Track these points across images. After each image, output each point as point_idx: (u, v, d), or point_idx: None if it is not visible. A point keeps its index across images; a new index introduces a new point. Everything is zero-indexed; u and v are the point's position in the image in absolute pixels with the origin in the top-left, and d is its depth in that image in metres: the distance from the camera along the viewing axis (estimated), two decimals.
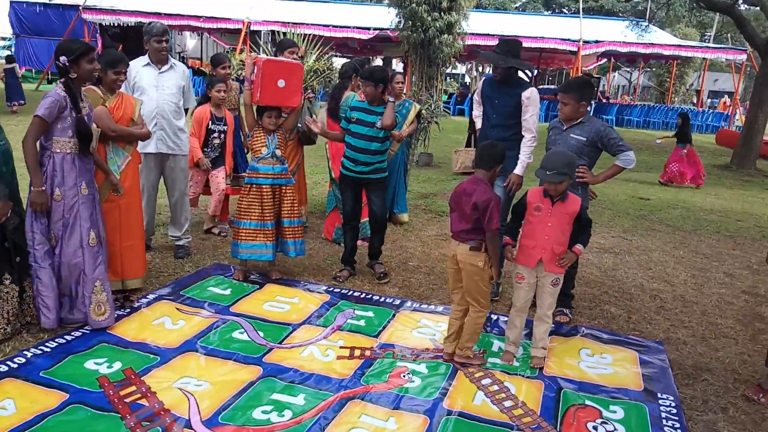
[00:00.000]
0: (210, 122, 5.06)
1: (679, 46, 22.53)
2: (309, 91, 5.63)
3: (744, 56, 21.04)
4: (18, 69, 14.69)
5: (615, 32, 22.99)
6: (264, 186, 4.16)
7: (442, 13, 16.92)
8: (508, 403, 2.91)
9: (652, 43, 21.85)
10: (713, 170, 11.70)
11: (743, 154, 11.70)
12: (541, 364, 3.32)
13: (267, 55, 19.67)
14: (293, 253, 4.34)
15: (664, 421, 2.81)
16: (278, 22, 21.53)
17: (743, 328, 3.97)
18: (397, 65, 36.29)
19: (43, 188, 3.27)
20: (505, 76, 4.07)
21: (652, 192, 8.95)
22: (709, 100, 32.78)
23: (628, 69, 36.47)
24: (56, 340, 3.25)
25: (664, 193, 8.98)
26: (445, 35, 17.28)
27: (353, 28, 21.95)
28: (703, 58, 24.65)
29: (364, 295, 4.21)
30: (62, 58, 3.26)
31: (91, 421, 2.56)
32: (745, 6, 12.25)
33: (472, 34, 19.43)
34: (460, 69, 41.61)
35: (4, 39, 31.57)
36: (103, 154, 3.71)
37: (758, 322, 4.09)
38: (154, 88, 4.41)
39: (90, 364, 3.02)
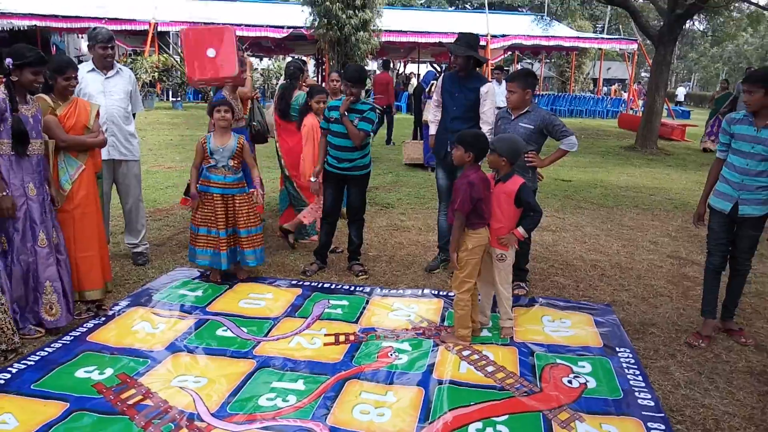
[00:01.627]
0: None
1: (579, 38, 24.08)
2: (256, 91, 5.67)
3: (635, 46, 22.80)
4: None
5: (519, 26, 24.20)
6: (215, 195, 4.14)
7: (356, 11, 17.23)
8: (490, 369, 3.18)
9: (554, 36, 23.22)
10: (621, 151, 12.68)
11: (645, 135, 12.75)
12: (510, 333, 3.61)
13: (179, 57, 18.99)
14: (253, 263, 4.33)
15: (626, 371, 3.18)
16: (187, 22, 20.92)
17: (675, 287, 4.48)
18: (309, 63, 36.23)
19: (8, 192, 3.20)
20: (465, 67, 4.36)
21: (572, 174, 9.62)
22: (604, 88, 35.08)
23: (530, 61, 38.38)
24: (36, 353, 3.18)
25: (582, 174, 9.68)
26: (361, 32, 17.62)
27: (267, 27, 21.70)
28: (599, 49, 26.48)
29: (333, 285, 4.35)
30: (8, 60, 3.21)
31: (101, 425, 2.57)
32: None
33: (386, 30, 19.88)
34: (372, 66, 42.12)
35: None
36: (56, 164, 3.65)
37: (686, 281, 4.61)
38: (102, 94, 4.33)
39: (80, 373, 3.00)
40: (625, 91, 30.16)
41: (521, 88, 4.07)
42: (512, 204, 3.48)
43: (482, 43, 21.68)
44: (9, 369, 3.00)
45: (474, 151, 3.41)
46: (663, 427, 2.66)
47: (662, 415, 2.75)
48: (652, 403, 2.85)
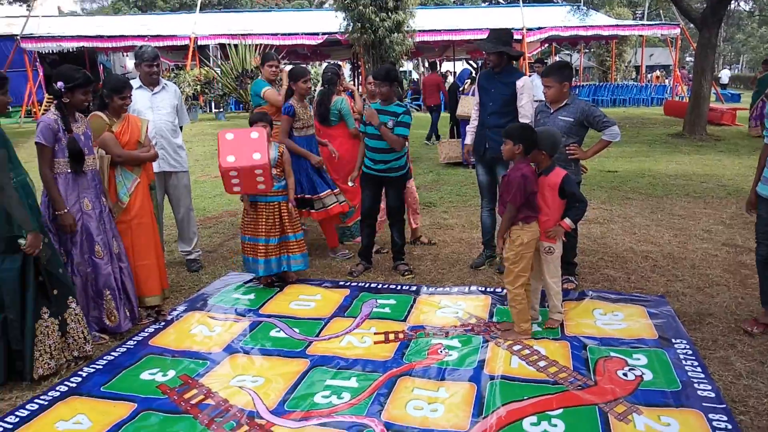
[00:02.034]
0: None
1: (618, 25, 23.51)
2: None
3: (677, 30, 22.09)
4: None
5: (555, 18, 23.80)
6: (261, 204, 4.26)
7: (389, 13, 17.30)
8: (542, 363, 3.17)
9: (592, 25, 22.73)
10: (668, 139, 12.33)
11: (693, 121, 12.35)
12: (555, 325, 3.59)
13: (219, 69, 19.34)
14: (301, 266, 4.44)
15: (683, 362, 3.11)
16: (225, 34, 21.45)
17: (731, 276, 4.35)
18: (345, 67, 36.54)
19: (67, 210, 3.38)
20: (499, 63, 4.35)
21: (618, 164, 9.42)
22: (657, 73, 34.06)
23: (569, 52, 37.68)
24: (103, 357, 3.34)
25: (629, 164, 9.47)
26: (395, 34, 17.68)
27: (302, 34, 22.01)
28: (640, 35, 25.79)
29: (380, 285, 4.41)
30: (59, 84, 3.37)
31: (167, 424, 2.69)
32: None
33: (420, 30, 19.88)
34: (407, 66, 42.07)
35: None
36: (113, 177, 3.83)
37: (743, 269, 4.47)
38: (150, 110, 4.50)
39: (145, 375, 3.14)
40: (668, 78, 29.24)
41: (558, 82, 4.03)
42: (557, 196, 3.46)
43: (517, 36, 21.56)
44: (80, 373, 3.17)
45: (523, 143, 3.39)
46: (725, 418, 2.60)
47: (724, 406, 2.69)
48: (713, 395, 2.78)
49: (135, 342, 3.55)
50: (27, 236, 2.96)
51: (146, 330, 3.72)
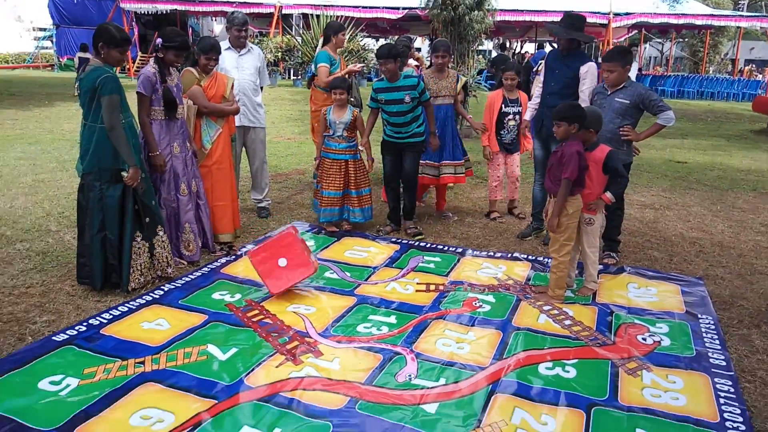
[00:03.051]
0: (503, 105, 5.34)
1: (712, 15, 22.33)
2: (360, 64, 6.12)
3: None
4: (91, 57, 15.67)
5: (646, 3, 22.83)
6: (332, 160, 4.74)
7: None
8: (567, 322, 3.43)
9: (684, 14, 21.71)
10: (749, 135, 11.87)
11: None
12: (587, 293, 3.81)
13: (300, 38, 19.93)
14: (360, 219, 4.89)
15: (704, 334, 3.29)
16: (309, 5, 21.98)
17: None
18: (424, 43, 36.50)
19: (159, 152, 3.89)
20: (569, 47, 4.54)
21: (690, 156, 9.25)
22: (749, 67, 32.04)
23: (660, 41, 35.99)
24: (182, 278, 3.88)
25: (701, 156, 9.27)
26: (475, 12, 17.61)
27: (383, 8, 22.24)
28: (737, 27, 24.34)
29: (429, 244, 4.75)
30: (159, 41, 3.86)
31: (232, 333, 3.17)
32: None
33: (501, 10, 19.64)
34: (487, 45, 41.42)
35: (44, 30, 32.64)
36: (199, 126, 4.32)
37: None
38: (236, 69, 4.97)
39: (216, 296, 3.64)
40: (759, 73, 27.46)
41: (621, 66, 4.16)
42: (600, 171, 3.66)
43: (603, 21, 20.93)
44: (162, 287, 3.71)
45: (578, 122, 3.56)
46: (730, 383, 2.79)
47: (731, 373, 2.88)
48: (724, 363, 2.97)
49: (209, 269, 4.07)
50: (129, 170, 3.48)
51: (219, 261, 4.23)
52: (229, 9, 22.88)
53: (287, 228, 3.81)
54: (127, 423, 2.41)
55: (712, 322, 3.43)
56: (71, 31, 25.64)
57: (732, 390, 2.74)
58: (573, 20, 4.64)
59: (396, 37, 28.36)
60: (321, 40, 5.74)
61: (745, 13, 25.05)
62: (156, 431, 2.36)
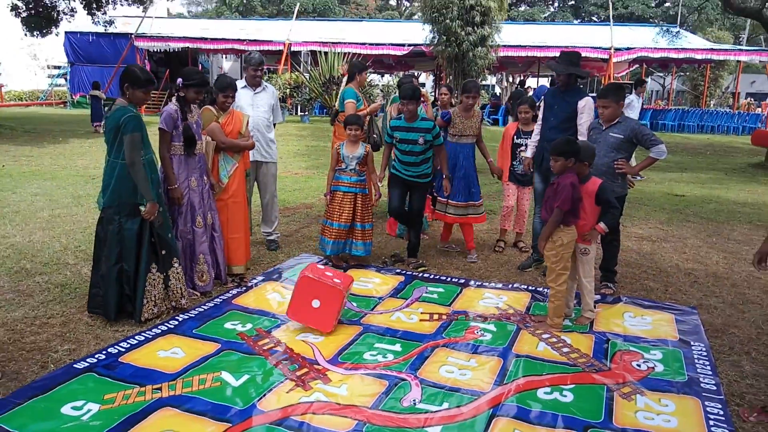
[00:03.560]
0: (515, 136, 5.61)
1: (712, 49, 22.79)
2: (381, 101, 6.38)
3: None
4: (102, 95, 16.25)
5: (646, 38, 23.37)
6: (342, 193, 4.93)
7: (475, 27, 17.74)
8: (565, 349, 3.57)
9: (684, 48, 22.18)
10: (747, 168, 12.07)
11: None
12: (585, 322, 3.96)
13: (308, 74, 20.47)
14: (361, 253, 5.03)
15: (696, 360, 3.43)
16: (317, 42, 22.63)
17: None
18: (428, 79, 37.21)
19: (178, 185, 4.11)
20: (567, 83, 4.78)
21: (688, 189, 9.44)
22: (748, 101, 32.43)
23: (661, 74, 36.58)
24: (195, 309, 4.05)
25: (699, 190, 9.46)
26: (479, 48, 18.09)
27: (389, 45, 22.84)
28: (737, 61, 24.80)
29: (432, 276, 4.92)
30: (179, 80, 4.12)
31: (244, 361, 3.33)
32: None
33: (504, 45, 20.16)
34: (490, 80, 42.19)
35: (58, 68, 33.55)
36: (217, 161, 4.56)
37: None
38: (251, 107, 5.23)
39: (228, 325, 3.81)
40: (758, 106, 27.77)
41: (615, 102, 4.39)
42: (593, 202, 3.85)
43: (604, 56, 21.38)
44: (176, 318, 3.89)
45: (574, 156, 3.78)
46: (720, 407, 2.92)
47: (721, 397, 3.01)
48: (714, 387, 3.11)
49: (221, 300, 4.25)
50: (147, 204, 3.70)
51: (230, 292, 4.41)
52: (239, 47, 23.57)
53: (301, 272, 3.82)
54: None
55: (704, 349, 3.57)
56: (85, 69, 26.32)
57: (721, 413, 2.87)
58: (570, 57, 4.92)
59: (401, 73, 29.05)
60: (345, 78, 6.02)
61: (744, 47, 25.52)
62: None
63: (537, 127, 5.17)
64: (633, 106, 10.50)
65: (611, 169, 4.36)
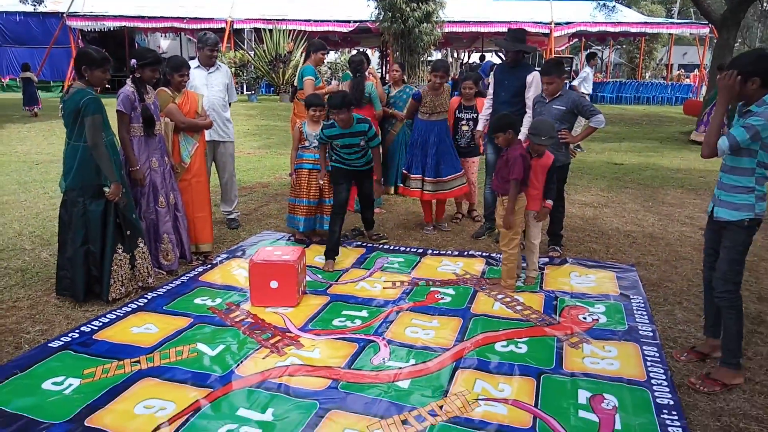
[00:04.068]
0: (457, 110, 5.60)
1: (646, 23, 23.73)
2: (334, 82, 6.47)
3: (707, 30, 22.22)
4: (34, 77, 15.53)
5: (584, 13, 24.05)
6: (307, 170, 5.04)
7: (420, 3, 17.86)
8: (518, 307, 3.87)
9: (620, 22, 22.99)
10: (680, 137, 12.78)
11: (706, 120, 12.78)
12: (533, 281, 4.30)
13: (253, 52, 20.17)
14: None
15: (635, 311, 3.79)
16: (260, 19, 22.22)
17: (698, 253, 4.94)
18: (373, 55, 37.14)
19: (139, 167, 4.15)
20: (515, 59, 5.05)
21: (626, 158, 9.97)
22: (679, 73, 33.95)
23: (599, 47, 37.73)
24: (163, 287, 4.13)
25: (636, 158, 10.01)
26: (424, 24, 18.25)
27: (334, 21, 22.65)
28: (669, 34, 25.92)
29: (392, 247, 5.13)
30: (133, 61, 4.14)
31: (218, 333, 3.47)
32: None
33: (449, 21, 20.38)
34: (436, 56, 42.38)
35: None
36: (177, 142, 4.59)
37: None
38: (205, 87, 5.25)
39: (198, 301, 3.92)
40: (687, 77, 29.13)
41: (559, 77, 4.67)
42: (545, 175, 4.15)
43: (545, 30, 21.90)
44: (145, 296, 3.97)
45: (513, 128, 4.08)
46: (656, 350, 3.27)
47: (657, 342, 3.36)
48: (651, 333, 3.46)
49: (188, 277, 4.34)
50: (111, 185, 3.73)
51: (196, 270, 4.50)
52: (178, 25, 22.86)
53: (249, 261, 3.89)
54: (132, 412, 2.68)
55: (641, 301, 3.93)
56: (13, 51, 24.97)
57: (657, 355, 3.21)
58: (517, 34, 5.21)
59: (347, 50, 28.88)
60: (303, 56, 6.07)
61: (675, 21, 26.66)
62: (160, 417, 2.64)
63: (488, 101, 5.40)
64: (588, 78, 10.92)
65: (556, 139, 4.64)
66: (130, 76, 4.19)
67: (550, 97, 4.72)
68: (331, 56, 32.37)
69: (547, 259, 4.74)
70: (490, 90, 5.35)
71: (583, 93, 10.72)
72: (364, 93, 5.80)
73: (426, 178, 5.36)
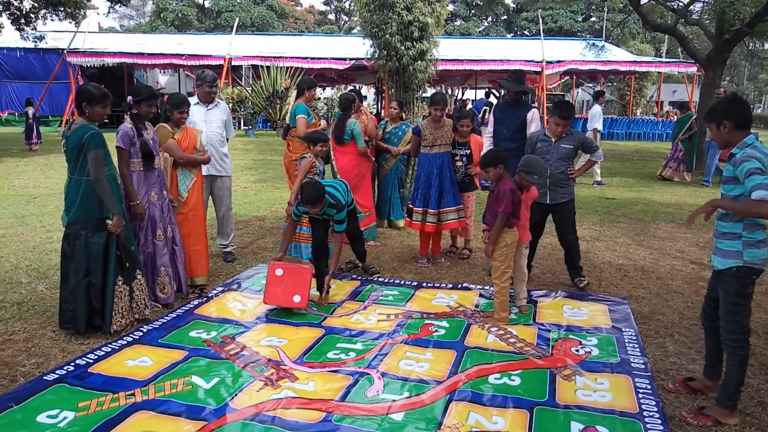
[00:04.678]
0: (451, 146, 5.57)
1: (635, 62, 24.30)
2: (322, 122, 6.62)
3: (694, 68, 22.70)
4: (30, 112, 15.74)
5: (574, 52, 24.62)
6: None
7: (414, 42, 18.30)
8: (512, 340, 3.90)
9: (610, 60, 23.53)
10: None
11: (697, 156, 12.99)
12: (527, 311, 4.37)
13: (251, 88, 20.51)
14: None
15: (627, 344, 3.82)
16: (258, 56, 22.64)
17: (689, 286, 5.03)
18: (369, 92, 37.73)
19: (139, 201, 4.21)
20: (516, 99, 5.30)
21: (618, 193, 10.11)
22: (668, 110, 34.60)
23: (591, 85, 38.47)
24: (159, 320, 4.15)
25: (627, 193, 10.15)
26: (419, 62, 18.66)
27: (330, 59, 23.07)
28: (658, 72, 26.51)
29: (386, 280, 5.17)
30: (129, 98, 4.25)
31: (213, 365, 3.48)
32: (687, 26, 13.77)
33: (443, 60, 20.83)
34: (430, 92, 42.99)
35: None
36: (175, 176, 4.68)
37: (701, 281, 5.14)
38: (204, 123, 5.35)
39: (193, 334, 3.94)
40: (675, 114, 29.66)
41: (570, 121, 4.83)
42: (530, 207, 4.25)
43: (537, 69, 22.36)
44: (141, 329, 3.98)
45: (503, 163, 4.19)
46: (647, 382, 3.30)
47: (649, 374, 3.39)
48: (643, 366, 3.49)
49: (183, 310, 4.36)
50: (113, 218, 3.79)
51: (191, 303, 4.53)
52: (177, 61, 23.24)
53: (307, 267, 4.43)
54: None
55: (633, 334, 3.97)
56: (13, 86, 25.26)
57: (649, 387, 3.24)
58: (518, 75, 5.52)
59: (344, 86, 29.33)
60: (295, 93, 6.22)
61: (664, 60, 27.28)
62: None
63: (488, 139, 5.57)
64: (598, 115, 11.14)
65: (566, 176, 4.79)
66: (128, 113, 4.28)
67: (557, 137, 4.81)
68: (328, 92, 32.90)
69: (541, 292, 4.80)
70: (489, 128, 5.55)
71: (596, 128, 10.91)
72: (345, 131, 5.93)
73: (429, 210, 5.45)
